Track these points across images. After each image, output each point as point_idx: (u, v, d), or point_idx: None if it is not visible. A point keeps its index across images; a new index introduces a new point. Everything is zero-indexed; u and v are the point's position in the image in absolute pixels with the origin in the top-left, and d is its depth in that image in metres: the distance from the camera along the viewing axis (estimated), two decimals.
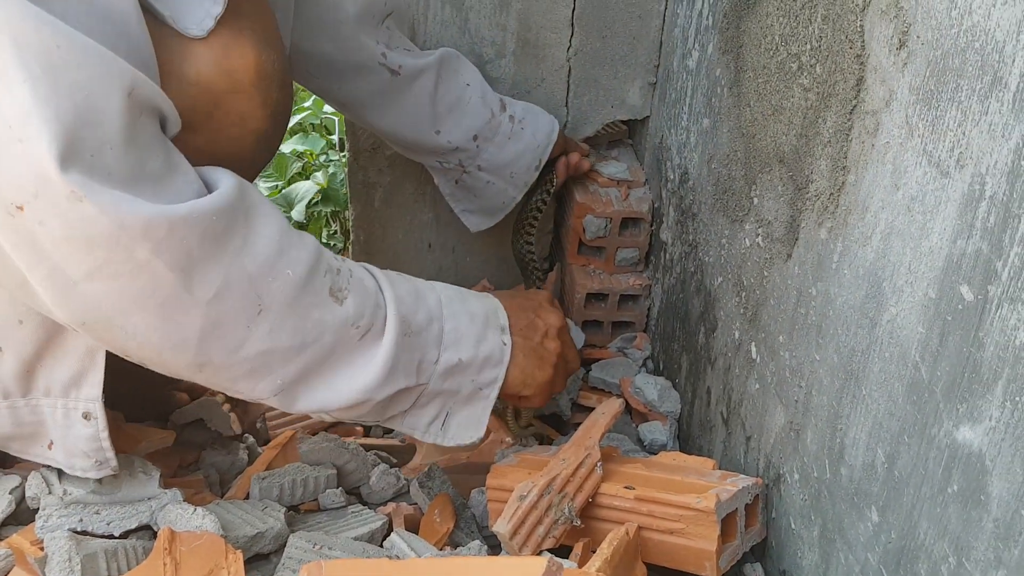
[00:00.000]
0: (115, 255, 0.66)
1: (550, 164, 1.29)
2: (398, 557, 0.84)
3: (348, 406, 0.80)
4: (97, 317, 0.69)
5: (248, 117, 0.78)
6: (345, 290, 0.80)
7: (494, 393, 0.89)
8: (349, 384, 0.80)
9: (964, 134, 0.57)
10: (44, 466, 0.92)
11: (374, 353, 0.80)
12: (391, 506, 0.94)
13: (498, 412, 1.15)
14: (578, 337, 1.34)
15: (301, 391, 0.79)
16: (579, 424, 0.97)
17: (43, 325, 0.79)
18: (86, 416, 0.82)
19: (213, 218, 0.70)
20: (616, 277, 1.34)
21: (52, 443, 0.85)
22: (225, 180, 0.72)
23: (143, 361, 0.74)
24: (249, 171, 0.82)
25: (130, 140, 0.66)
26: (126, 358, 0.74)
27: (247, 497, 0.95)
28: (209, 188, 0.72)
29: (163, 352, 0.72)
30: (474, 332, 0.88)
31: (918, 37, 0.62)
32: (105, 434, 0.83)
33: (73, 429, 0.83)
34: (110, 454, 0.84)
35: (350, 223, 1.45)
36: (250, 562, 0.84)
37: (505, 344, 0.90)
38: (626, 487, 0.86)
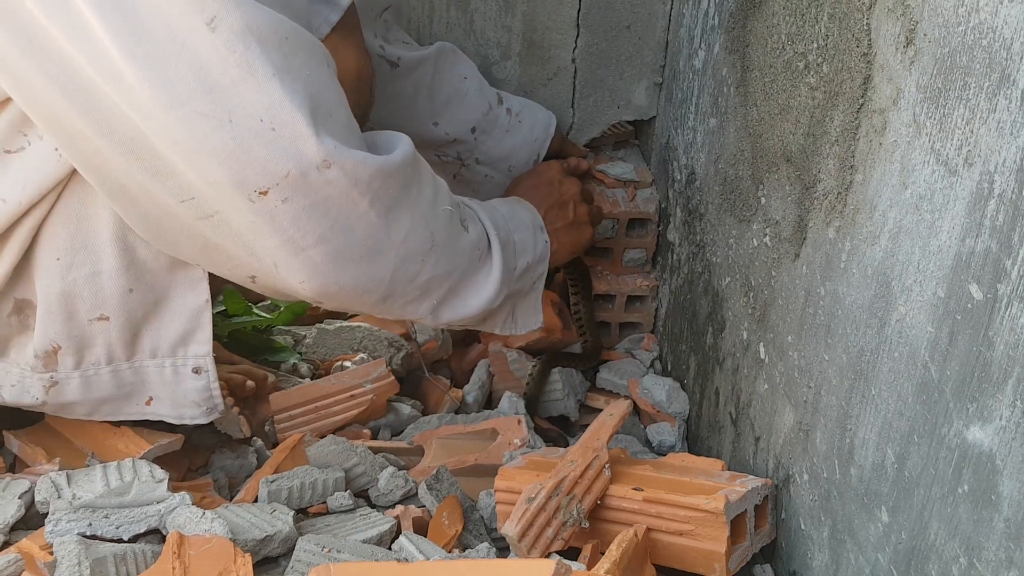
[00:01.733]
0: (344, 210, 0.78)
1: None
2: (407, 560, 0.84)
3: (475, 315, 0.95)
4: (316, 276, 0.81)
5: None
6: (466, 220, 0.94)
7: (542, 282, 1.06)
8: (477, 298, 0.95)
9: (972, 132, 0.57)
10: (53, 471, 0.92)
11: (489, 270, 0.95)
12: (399, 508, 0.94)
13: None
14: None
15: (445, 308, 0.93)
16: (587, 426, 0.97)
17: (153, 290, 0.88)
18: (196, 371, 0.92)
19: (407, 168, 0.83)
20: (623, 278, 1.34)
21: (152, 399, 0.94)
22: (398, 135, 0.85)
23: (340, 305, 0.88)
24: None
25: (343, 105, 0.78)
26: (320, 305, 0.89)
27: (256, 500, 0.95)
28: (375, 143, 0.83)
29: (364, 294, 0.85)
30: (531, 238, 1.03)
31: (925, 35, 0.62)
32: (216, 384, 0.93)
33: (183, 384, 0.93)
34: (219, 400, 0.95)
35: None
36: (259, 565, 0.84)
37: (546, 242, 1.06)
38: (635, 488, 0.86)
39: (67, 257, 0.84)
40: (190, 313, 0.90)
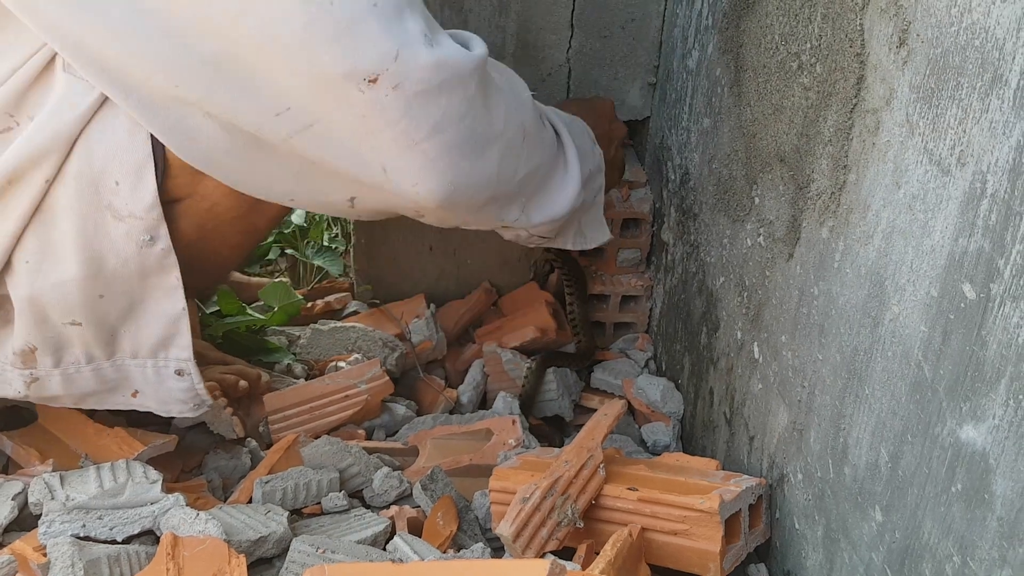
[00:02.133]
0: (455, 97, 0.76)
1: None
2: (401, 560, 0.84)
3: (560, 216, 0.95)
4: (431, 173, 0.78)
5: None
6: (543, 116, 0.94)
7: (602, 195, 1.05)
8: (562, 195, 0.95)
9: (965, 132, 0.57)
10: (46, 472, 0.92)
11: (567, 167, 0.95)
12: (394, 509, 0.94)
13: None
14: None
15: (534, 207, 0.93)
16: (582, 426, 0.97)
17: (126, 296, 0.86)
18: (179, 372, 0.90)
19: (489, 59, 0.81)
20: (618, 278, 1.34)
21: (137, 392, 0.92)
22: (469, 35, 0.83)
23: (447, 214, 0.84)
24: None
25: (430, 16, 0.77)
26: (421, 219, 0.86)
27: (250, 501, 0.95)
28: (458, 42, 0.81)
29: (473, 194, 0.83)
30: (590, 146, 1.01)
31: (918, 35, 0.62)
32: (201, 385, 0.92)
33: (166, 383, 0.91)
34: (207, 397, 0.93)
35: (351, 226, 1.45)
36: (253, 566, 0.83)
37: (601, 154, 1.04)
38: (629, 488, 0.86)
39: (35, 262, 0.82)
40: (167, 320, 0.88)
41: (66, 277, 0.82)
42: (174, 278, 0.86)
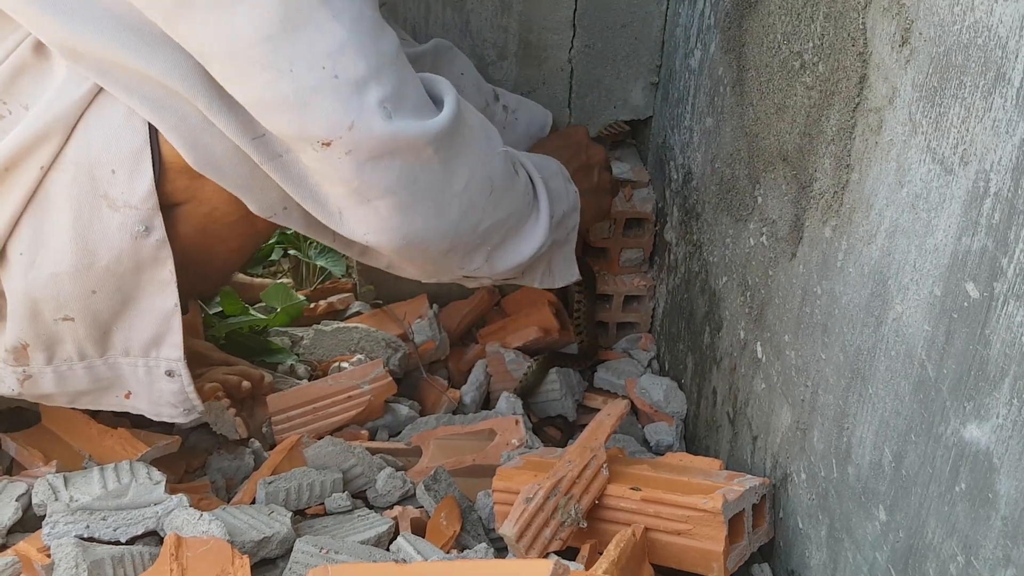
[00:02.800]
0: (410, 162, 0.78)
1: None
2: (405, 560, 0.84)
3: (524, 262, 0.95)
4: (383, 228, 0.81)
5: None
6: (516, 163, 0.93)
7: (575, 234, 1.05)
8: (529, 243, 0.95)
9: (968, 131, 0.57)
10: (50, 473, 0.92)
11: (538, 214, 0.95)
12: (397, 509, 0.94)
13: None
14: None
15: (499, 257, 0.93)
16: (585, 426, 0.97)
17: (119, 292, 0.85)
18: (169, 373, 0.89)
19: (461, 115, 0.82)
20: (621, 278, 1.33)
21: (130, 393, 0.91)
22: (446, 87, 0.84)
23: (403, 259, 0.87)
24: None
25: (401, 51, 0.78)
26: (383, 266, 0.89)
27: (253, 502, 0.95)
28: (431, 95, 0.83)
29: (429, 246, 0.85)
30: (563, 186, 1.01)
31: (920, 34, 0.62)
32: (191, 388, 0.90)
33: (157, 384, 0.90)
34: (197, 402, 0.92)
35: None
36: (257, 567, 0.83)
37: (576, 192, 1.04)
38: (632, 488, 0.86)
39: (29, 254, 0.82)
40: (159, 317, 0.87)
41: (60, 269, 0.82)
42: (168, 272, 0.85)
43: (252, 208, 0.83)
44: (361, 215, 0.80)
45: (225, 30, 0.71)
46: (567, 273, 1.06)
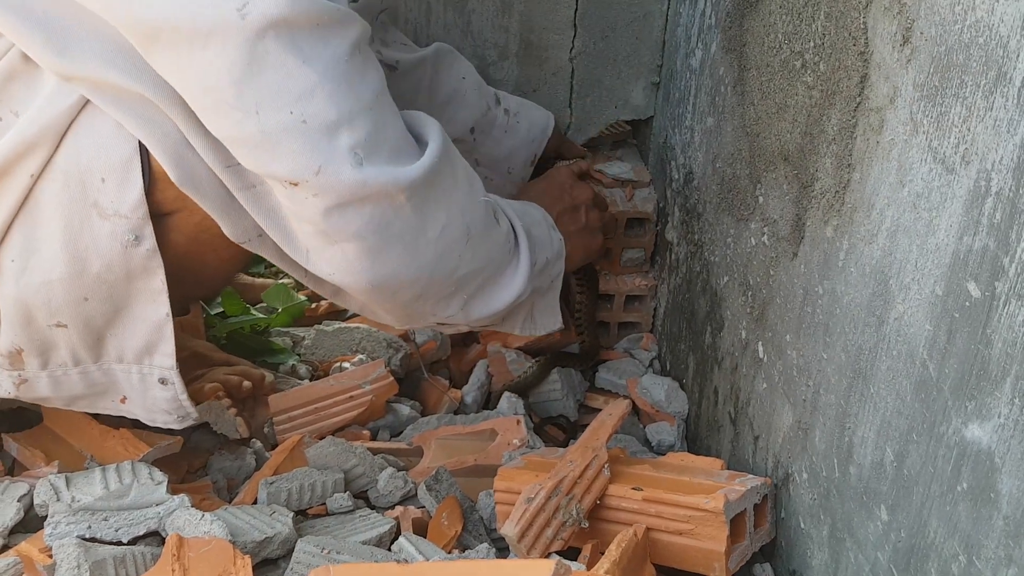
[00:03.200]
0: (380, 208, 0.76)
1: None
2: (406, 561, 0.84)
3: (502, 310, 0.94)
4: (349, 271, 0.80)
5: None
6: (498, 211, 0.92)
7: (559, 282, 1.04)
8: (507, 292, 0.93)
9: (969, 130, 0.57)
10: (52, 474, 0.92)
11: (518, 263, 0.94)
12: (399, 509, 0.94)
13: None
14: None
15: (475, 305, 0.91)
16: (586, 426, 0.97)
17: (111, 299, 0.84)
18: (163, 381, 0.89)
19: (443, 161, 0.81)
20: (622, 278, 1.33)
21: (126, 398, 0.91)
22: (432, 128, 0.83)
23: (369, 301, 0.86)
24: None
25: (382, 92, 0.77)
26: (356, 309, 0.89)
27: (255, 502, 0.95)
28: (416, 136, 0.82)
29: (398, 291, 0.84)
30: (546, 234, 1.00)
31: (921, 33, 0.62)
32: (184, 396, 0.90)
33: (151, 391, 0.89)
34: (191, 409, 0.91)
35: None
36: (259, 567, 0.84)
37: (560, 240, 1.03)
38: (634, 488, 0.86)
39: (21, 260, 0.81)
40: (151, 326, 0.86)
41: (51, 277, 0.81)
42: (159, 281, 0.84)
43: (227, 232, 0.82)
44: (328, 256, 0.80)
45: (195, 68, 0.71)
46: (550, 321, 1.04)
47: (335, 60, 0.73)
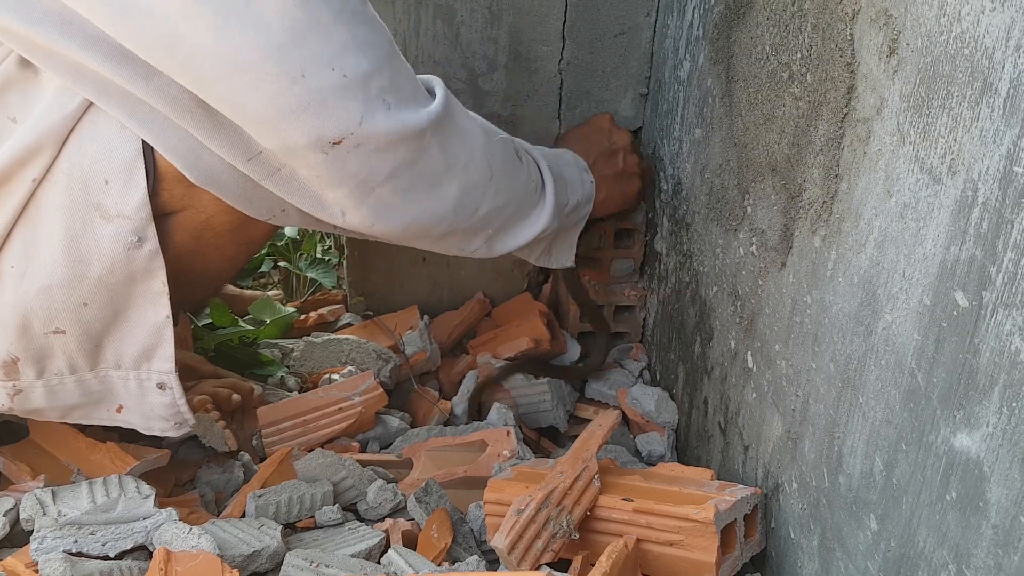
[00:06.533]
0: (411, 147, 0.80)
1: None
2: (396, 574, 0.84)
3: (523, 246, 1.00)
4: (386, 215, 0.84)
5: None
6: (520, 152, 0.97)
7: (583, 223, 1.10)
8: (530, 230, 0.99)
9: (956, 140, 0.57)
10: (38, 488, 0.91)
11: (543, 203, 0.99)
12: (388, 522, 0.94)
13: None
14: (573, 349, 1.34)
15: (498, 240, 0.97)
16: (576, 436, 0.97)
17: (111, 304, 0.84)
18: (161, 386, 0.89)
19: (452, 107, 0.85)
20: (611, 288, 1.34)
21: (122, 407, 0.91)
22: (435, 79, 0.87)
23: (407, 240, 0.90)
24: None
25: (399, 57, 0.80)
26: (391, 241, 0.91)
27: (243, 515, 0.95)
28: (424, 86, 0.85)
29: (429, 228, 0.88)
30: (578, 176, 1.06)
31: (908, 44, 0.62)
32: (183, 401, 0.90)
33: (148, 398, 0.90)
34: (188, 415, 0.91)
35: (344, 238, 1.45)
36: None
37: (592, 182, 1.09)
38: (624, 499, 0.86)
39: (20, 267, 0.81)
40: (151, 328, 0.86)
41: (51, 281, 0.81)
42: (160, 283, 0.84)
43: (249, 213, 0.85)
44: (364, 210, 0.83)
45: (226, 47, 0.70)
46: (565, 256, 1.10)
47: (356, 12, 0.76)
